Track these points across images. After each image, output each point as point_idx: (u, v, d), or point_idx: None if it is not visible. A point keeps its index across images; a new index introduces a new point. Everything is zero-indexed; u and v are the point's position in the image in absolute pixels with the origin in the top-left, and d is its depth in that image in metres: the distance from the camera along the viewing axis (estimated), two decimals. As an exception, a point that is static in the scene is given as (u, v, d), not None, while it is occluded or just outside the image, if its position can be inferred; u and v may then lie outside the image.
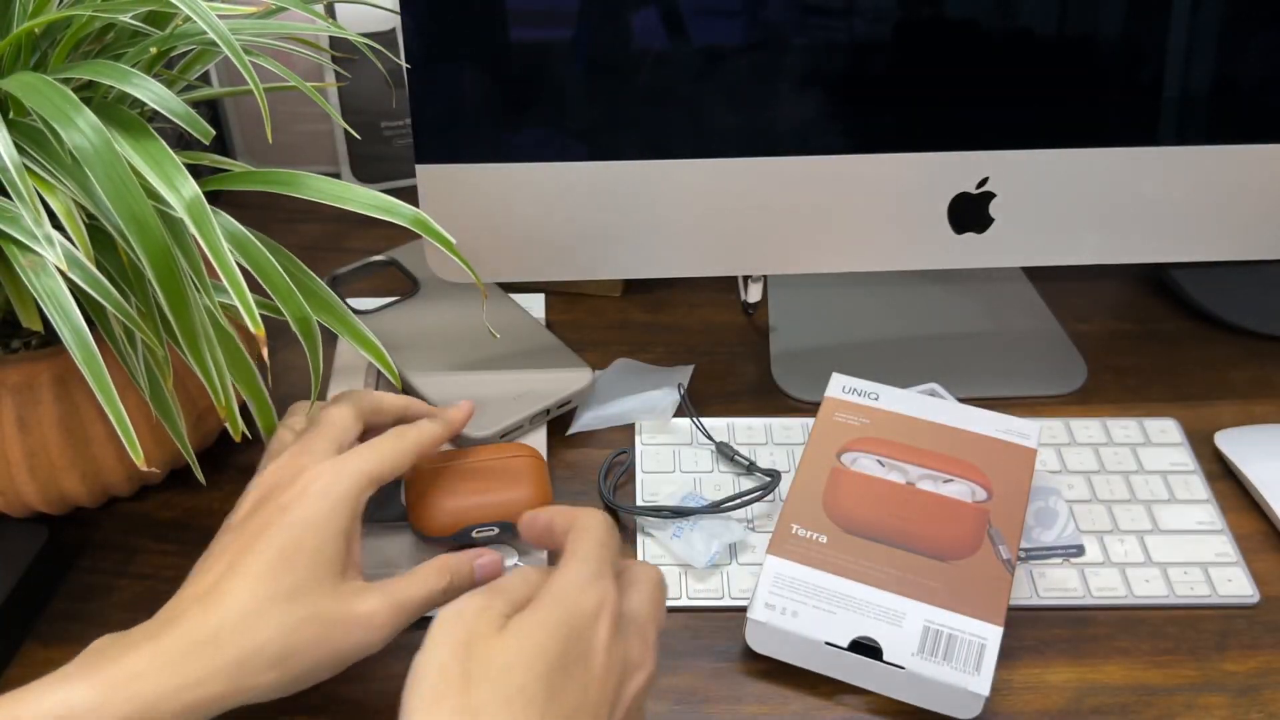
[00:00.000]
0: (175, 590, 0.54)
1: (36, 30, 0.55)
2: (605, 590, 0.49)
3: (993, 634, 0.60)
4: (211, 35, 0.50)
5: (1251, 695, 0.63)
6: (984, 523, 0.65)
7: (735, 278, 0.91)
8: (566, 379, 0.78)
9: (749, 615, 0.62)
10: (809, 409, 0.80)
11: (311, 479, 0.56)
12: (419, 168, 0.70)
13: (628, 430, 0.78)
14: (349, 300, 0.84)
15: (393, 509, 0.69)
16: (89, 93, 0.57)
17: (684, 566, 0.68)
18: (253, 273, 0.56)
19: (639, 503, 0.72)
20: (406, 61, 0.67)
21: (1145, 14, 0.69)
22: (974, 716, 0.60)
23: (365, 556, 0.67)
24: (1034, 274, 0.94)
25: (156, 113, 0.51)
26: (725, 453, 0.75)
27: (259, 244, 0.57)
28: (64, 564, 0.68)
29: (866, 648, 0.60)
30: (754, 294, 0.86)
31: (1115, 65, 0.70)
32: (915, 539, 0.64)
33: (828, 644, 0.61)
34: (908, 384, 0.75)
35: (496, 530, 0.66)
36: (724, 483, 0.74)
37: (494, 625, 0.47)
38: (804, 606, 0.61)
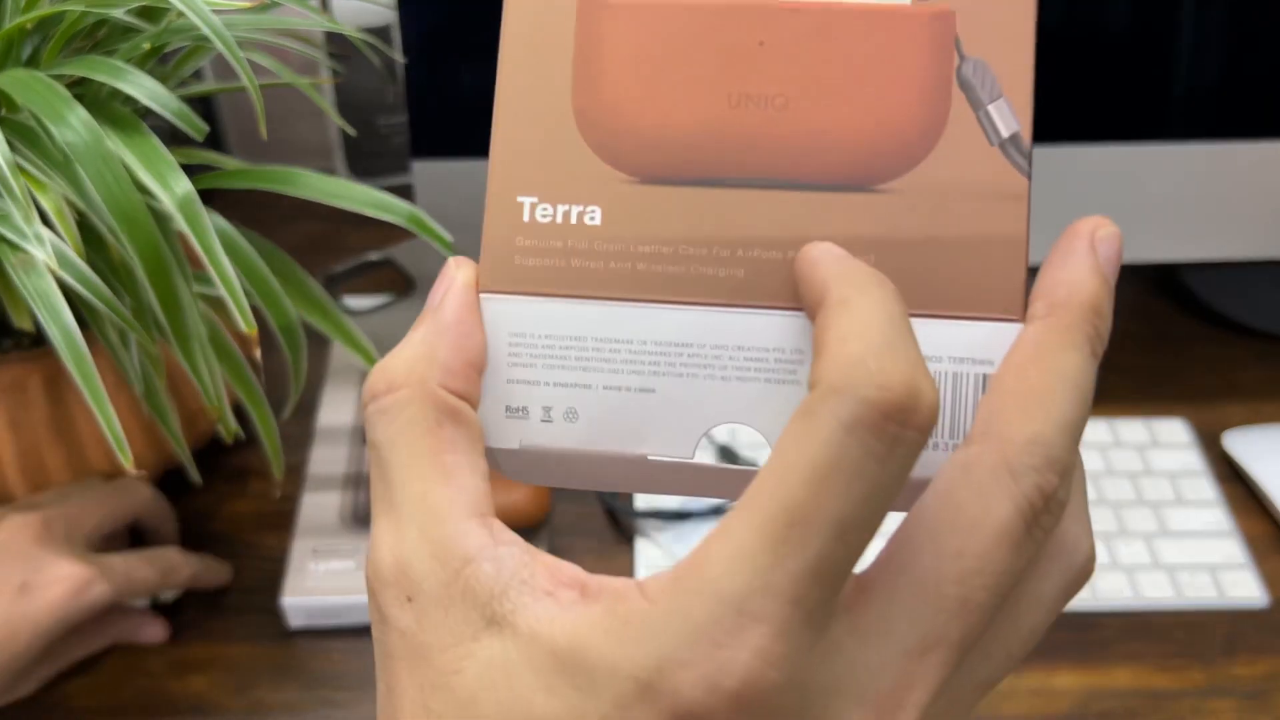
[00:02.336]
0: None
1: (28, 26, 0.54)
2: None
3: (1006, 338, 0.27)
4: (205, 31, 0.49)
5: (1260, 699, 0.62)
6: (945, 48, 0.29)
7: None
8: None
9: (488, 442, 0.29)
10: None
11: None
12: (415, 163, 0.69)
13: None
14: (345, 299, 0.83)
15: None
16: (82, 89, 0.56)
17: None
18: (240, 275, 0.55)
19: (639, 505, 0.71)
20: (404, 55, 0.66)
21: (1153, 4, 0.68)
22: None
23: (363, 558, 0.66)
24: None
25: (150, 109, 0.50)
26: (726, 454, 0.74)
27: (248, 246, 0.56)
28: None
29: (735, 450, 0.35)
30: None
31: (1122, 57, 0.69)
32: (797, 148, 0.29)
33: (655, 458, 0.29)
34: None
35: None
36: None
37: None
38: (586, 396, 0.29)
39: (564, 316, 0.29)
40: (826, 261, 0.27)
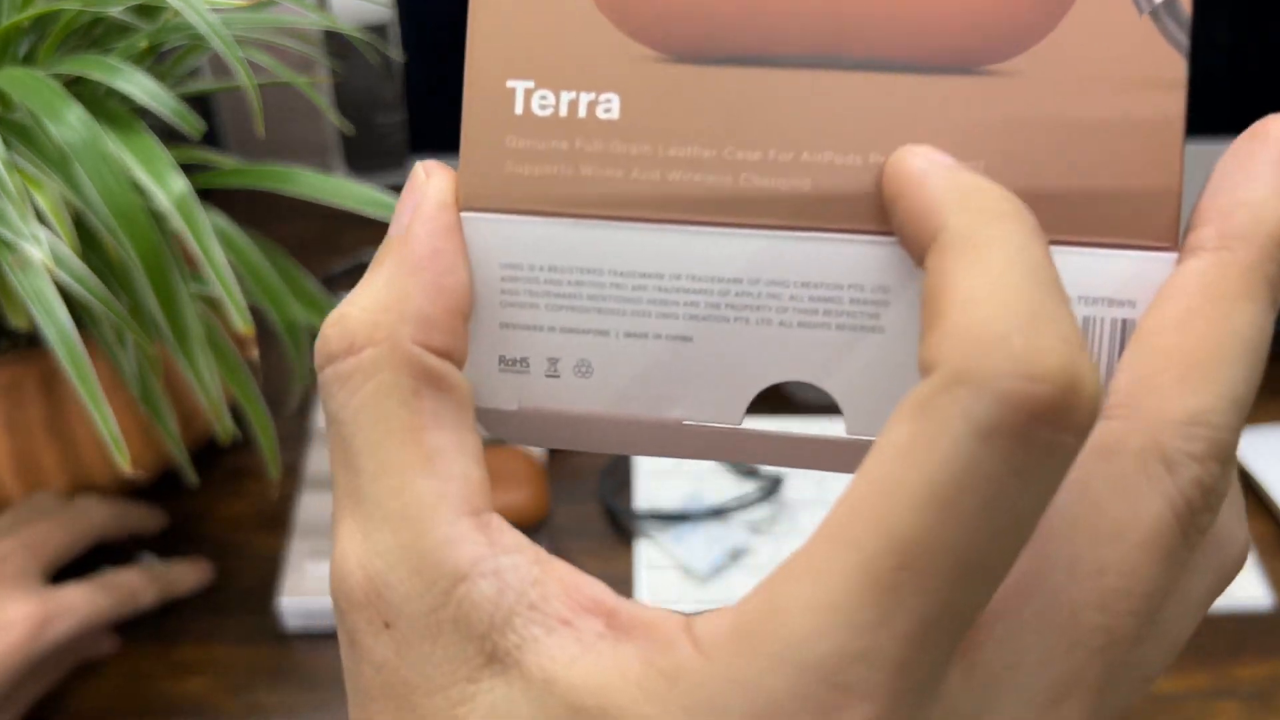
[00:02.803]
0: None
1: (25, 24, 0.53)
2: None
3: (1157, 281, 0.21)
4: (202, 29, 0.49)
5: (1265, 701, 0.62)
6: None
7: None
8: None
9: (477, 402, 0.23)
10: (814, 410, 0.79)
11: None
12: (415, 160, 0.69)
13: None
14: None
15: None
16: (78, 88, 0.56)
17: (685, 572, 0.67)
18: (243, 273, 0.55)
19: (639, 506, 0.71)
20: (402, 53, 0.66)
21: None
22: None
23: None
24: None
25: (147, 108, 0.50)
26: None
27: (249, 243, 0.56)
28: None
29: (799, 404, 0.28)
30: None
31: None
32: (882, 14, 0.22)
33: (692, 423, 0.23)
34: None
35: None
36: (725, 486, 0.72)
37: None
38: (602, 345, 0.23)
39: (573, 242, 0.22)
40: (937, 177, 0.19)
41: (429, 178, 0.22)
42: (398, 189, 0.61)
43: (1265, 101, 0.70)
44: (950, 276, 0.17)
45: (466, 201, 0.22)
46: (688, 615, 0.18)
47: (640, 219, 0.22)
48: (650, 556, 0.69)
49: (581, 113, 0.22)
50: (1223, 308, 0.19)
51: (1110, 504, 0.18)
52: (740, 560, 0.68)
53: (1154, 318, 0.20)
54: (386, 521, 0.20)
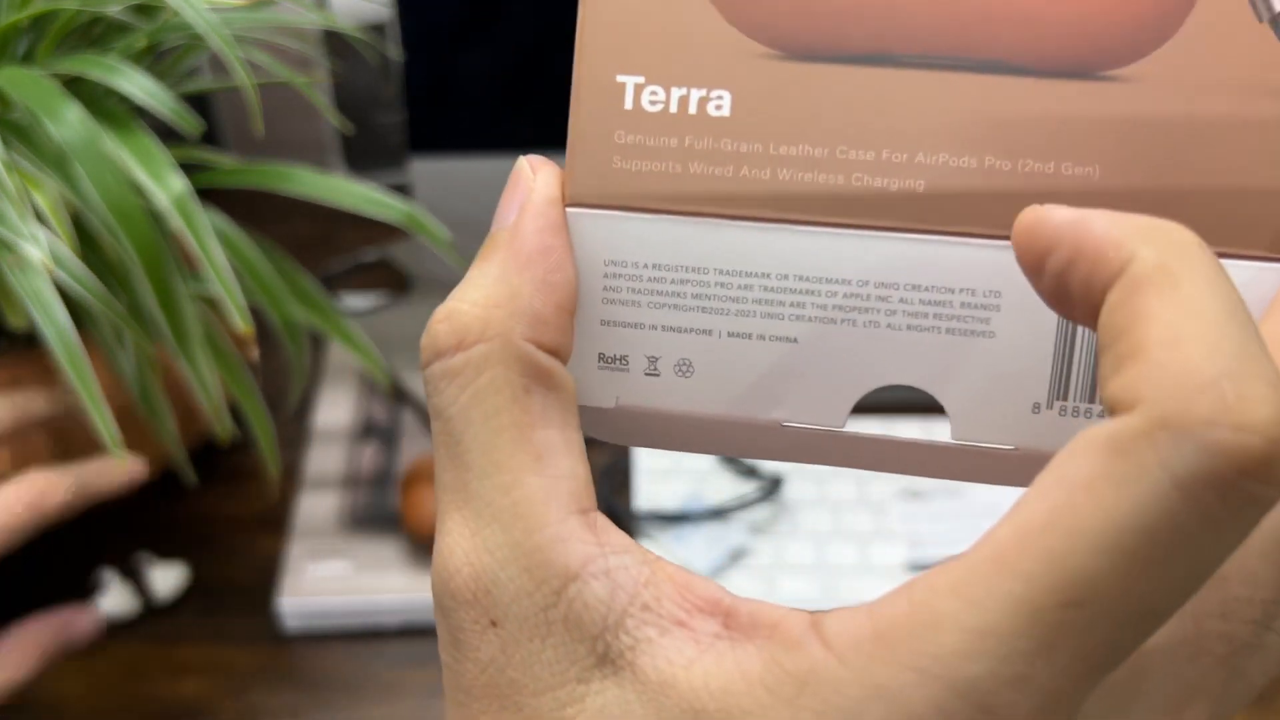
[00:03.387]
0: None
1: (23, 23, 0.53)
2: None
3: (1267, 284, 0.22)
4: (200, 28, 0.49)
5: (1266, 701, 0.61)
6: None
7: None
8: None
9: (580, 401, 0.23)
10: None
11: None
12: (414, 160, 0.69)
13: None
14: (342, 299, 0.83)
15: (385, 511, 0.68)
16: (77, 87, 0.56)
17: (685, 570, 0.67)
18: (243, 272, 0.55)
19: (639, 506, 0.71)
20: (401, 52, 0.66)
21: None
22: None
23: (360, 560, 0.66)
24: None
25: (145, 107, 0.50)
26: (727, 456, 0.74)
27: (248, 243, 0.56)
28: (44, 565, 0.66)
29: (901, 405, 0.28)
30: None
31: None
32: (1000, 17, 0.22)
33: (794, 425, 0.23)
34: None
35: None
36: (725, 486, 0.72)
37: None
38: (705, 344, 0.23)
39: (678, 240, 0.22)
40: (1098, 218, 0.18)
41: (536, 173, 0.22)
42: (397, 188, 0.61)
43: None
44: (1148, 311, 0.16)
45: (572, 196, 0.22)
46: (813, 613, 0.18)
47: (748, 218, 0.22)
48: (650, 556, 0.68)
49: (692, 109, 0.22)
50: None
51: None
52: (740, 560, 0.68)
53: (1272, 324, 0.19)
54: (496, 519, 0.19)
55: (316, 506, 0.70)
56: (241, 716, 0.61)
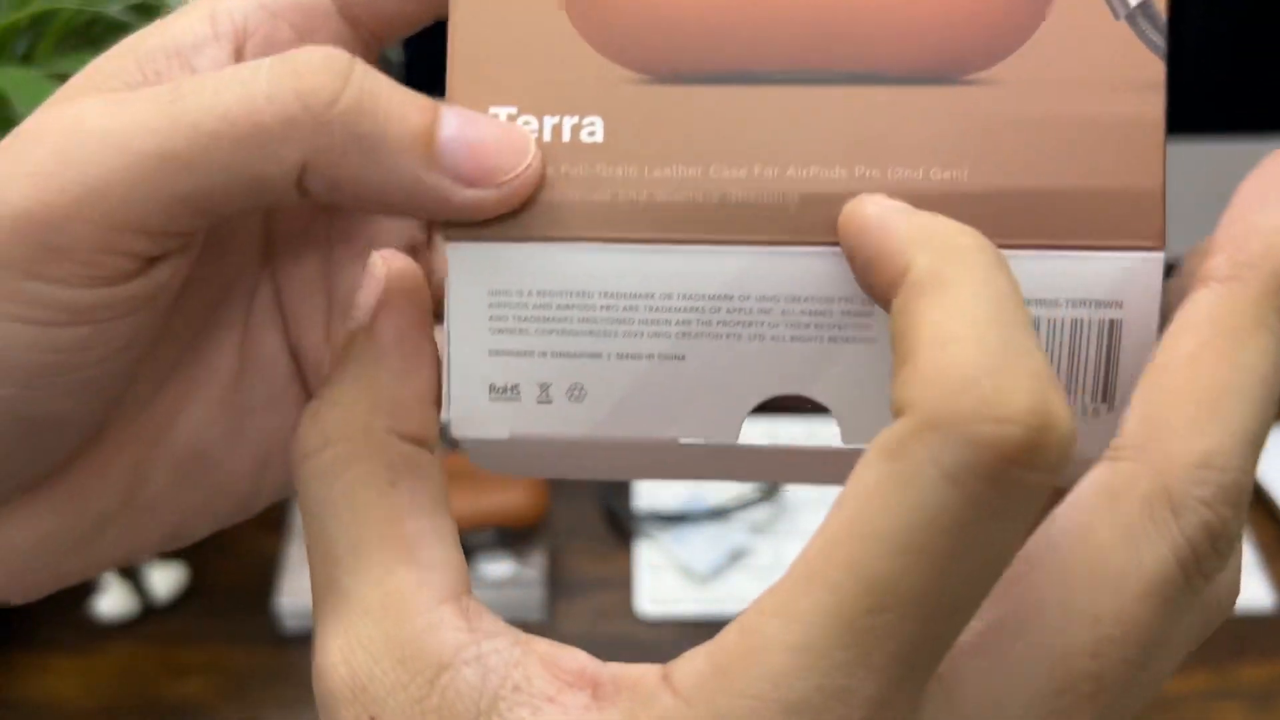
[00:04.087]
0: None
1: (22, 23, 0.53)
2: None
3: (1144, 281, 0.21)
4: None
5: (1267, 702, 0.61)
6: None
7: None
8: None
9: (467, 432, 0.23)
10: (817, 410, 0.79)
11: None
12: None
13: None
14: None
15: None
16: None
17: (685, 573, 0.67)
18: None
19: (639, 507, 0.71)
20: (401, 51, 0.66)
21: None
22: None
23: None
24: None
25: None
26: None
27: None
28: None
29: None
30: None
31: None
32: (860, 28, 0.22)
33: (689, 442, 0.23)
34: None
35: (492, 535, 0.64)
36: (725, 486, 0.72)
37: None
38: (594, 367, 0.23)
39: (561, 266, 0.22)
40: (896, 219, 0.19)
41: (387, 265, 0.22)
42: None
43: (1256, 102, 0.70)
44: (919, 316, 0.17)
45: (453, 233, 0.22)
46: (668, 665, 0.18)
47: (628, 240, 0.22)
48: (650, 557, 0.68)
49: (566, 137, 0.22)
50: (1233, 342, 0.18)
51: (1113, 550, 0.18)
52: (740, 560, 0.68)
53: (1165, 353, 0.19)
54: (368, 612, 0.20)
55: (316, 507, 0.70)
56: (241, 715, 0.61)
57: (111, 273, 0.20)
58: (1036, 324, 0.21)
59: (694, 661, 0.18)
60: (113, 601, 0.65)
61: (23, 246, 0.19)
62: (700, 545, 0.67)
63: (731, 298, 0.22)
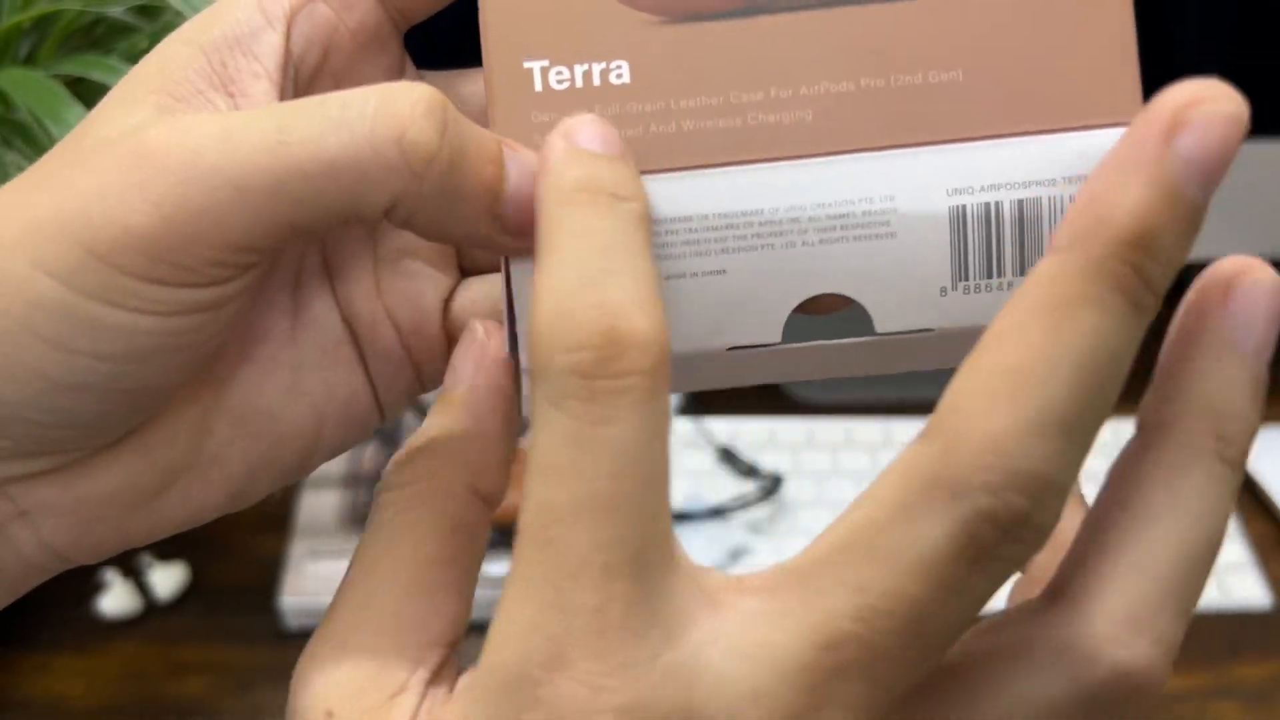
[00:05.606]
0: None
1: (26, 24, 0.53)
2: None
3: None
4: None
5: (1265, 701, 0.62)
6: None
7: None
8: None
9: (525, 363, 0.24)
10: (816, 410, 0.79)
11: None
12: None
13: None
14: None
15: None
16: (79, 88, 0.56)
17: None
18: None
19: (640, 505, 0.71)
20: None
21: (1153, 1, 0.68)
22: None
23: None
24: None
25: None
26: (727, 455, 0.74)
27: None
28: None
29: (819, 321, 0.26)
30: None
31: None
32: None
33: (738, 349, 0.25)
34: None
35: (492, 534, 0.64)
36: (725, 486, 0.72)
37: None
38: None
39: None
40: (548, 171, 0.21)
41: (489, 337, 0.24)
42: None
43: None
44: (535, 283, 0.20)
45: None
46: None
47: (663, 169, 0.24)
48: (650, 556, 0.68)
49: (596, 81, 0.24)
50: (1051, 317, 0.18)
51: (891, 527, 0.18)
52: (740, 560, 0.68)
53: (989, 330, 0.19)
54: (371, 622, 0.22)
55: (318, 505, 0.70)
56: (243, 716, 0.62)
57: (221, 279, 0.22)
58: (1038, 204, 0.23)
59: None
60: (115, 601, 0.65)
61: (144, 260, 0.21)
62: (700, 545, 0.68)
63: (762, 211, 0.24)
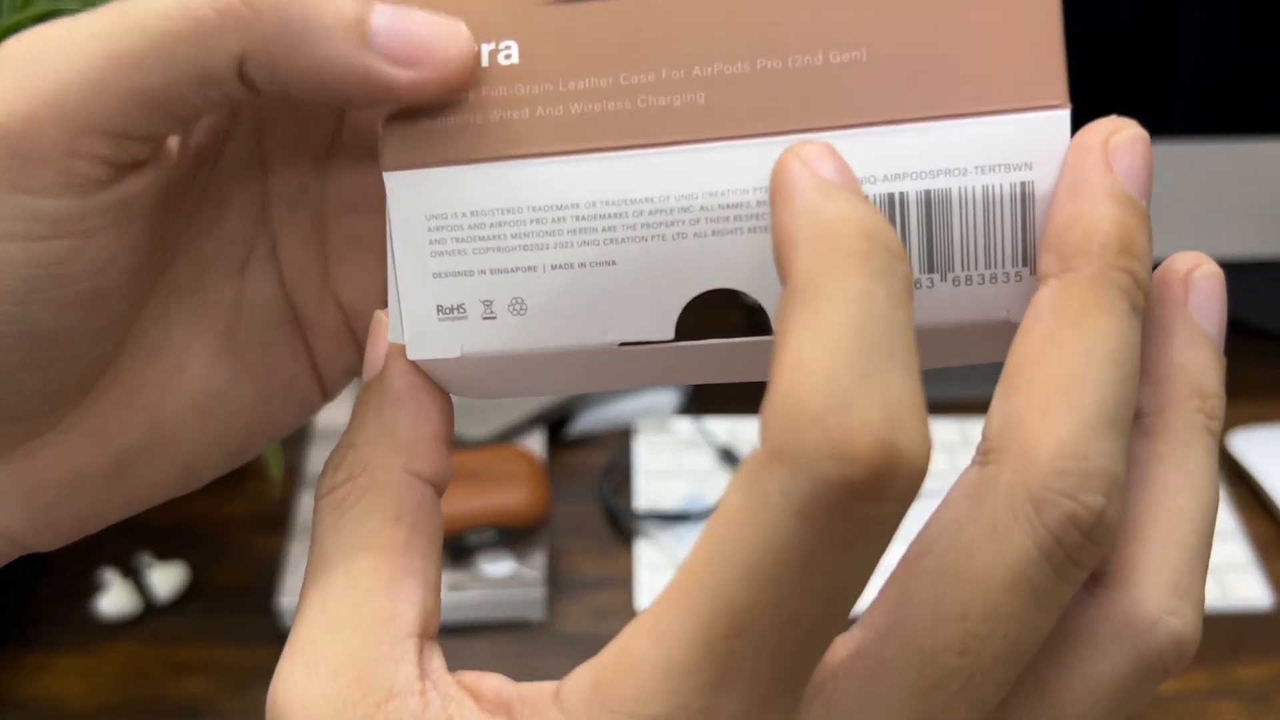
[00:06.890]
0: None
1: (25, 24, 0.53)
2: None
3: (1051, 140, 0.21)
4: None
5: (1265, 701, 0.61)
6: None
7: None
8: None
9: (421, 354, 0.24)
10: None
11: None
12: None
13: (627, 432, 0.77)
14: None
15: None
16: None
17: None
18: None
19: (639, 506, 0.71)
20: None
21: (1154, 2, 0.68)
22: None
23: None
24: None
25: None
26: (727, 455, 0.74)
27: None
28: (39, 567, 0.66)
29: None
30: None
31: (1120, 55, 0.69)
32: None
33: (628, 345, 0.23)
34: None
35: (493, 534, 0.64)
36: (725, 485, 0.72)
37: None
38: (532, 280, 0.23)
39: (490, 185, 0.23)
40: (802, 196, 0.19)
41: (392, 324, 0.24)
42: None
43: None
44: (785, 333, 0.18)
45: (388, 164, 0.23)
46: (563, 680, 0.20)
47: (550, 153, 0.23)
48: (650, 556, 0.68)
49: (484, 62, 0.23)
50: (1076, 328, 0.19)
51: (978, 548, 0.18)
52: (740, 560, 0.68)
53: (1015, 354, 0.19)
54: (341, 628, 0.21)
55: (317, 506, 0.70)
56: (242, 716, 0.62)
57: (83, 179, 0.21)
58: (948, 195, 0.21)
59: (580, 675, 0.19)
60: (114, 601, 0.65)
61: None
62: (700, 545, 0.68)
63: (651, 199, 0.22)
